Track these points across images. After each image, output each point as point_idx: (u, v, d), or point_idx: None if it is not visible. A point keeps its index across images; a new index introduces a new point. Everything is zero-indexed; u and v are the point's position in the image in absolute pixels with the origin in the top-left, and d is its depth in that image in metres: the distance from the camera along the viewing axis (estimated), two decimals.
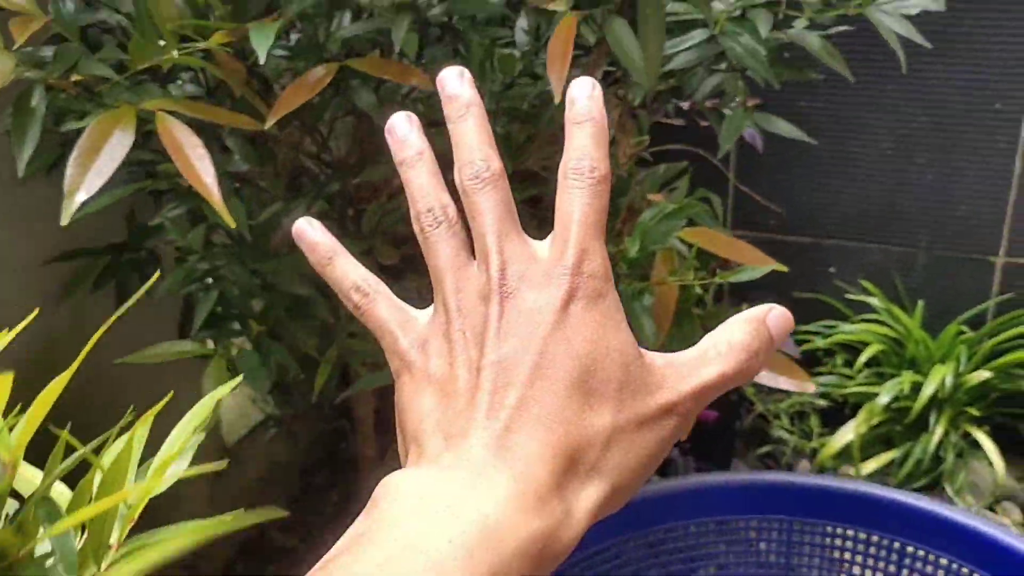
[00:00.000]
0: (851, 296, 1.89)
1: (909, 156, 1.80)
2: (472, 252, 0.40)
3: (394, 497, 0.33)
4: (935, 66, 1.71)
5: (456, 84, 0.41)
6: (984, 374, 1.72)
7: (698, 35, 0.92)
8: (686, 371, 0.38)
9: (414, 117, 0.43)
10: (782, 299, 1.93)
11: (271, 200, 1.03)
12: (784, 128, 1.02)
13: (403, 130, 0.42)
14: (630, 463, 0.36)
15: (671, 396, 0.37)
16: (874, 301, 1.85)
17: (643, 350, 0.38)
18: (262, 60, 0.69)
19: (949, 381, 1.70)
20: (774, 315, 0.40)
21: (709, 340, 0.39)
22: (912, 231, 1.84)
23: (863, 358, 1.80)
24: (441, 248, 0.40)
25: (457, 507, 0.31)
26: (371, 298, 0.41)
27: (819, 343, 1.87)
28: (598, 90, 0.40)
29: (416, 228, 0.41)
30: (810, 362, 1.89)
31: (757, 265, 0.82)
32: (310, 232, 0.43)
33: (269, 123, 0.76)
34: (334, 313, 1.04)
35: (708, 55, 0.95)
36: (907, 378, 1.75)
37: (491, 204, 0.39)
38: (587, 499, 0.34)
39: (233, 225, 0.67)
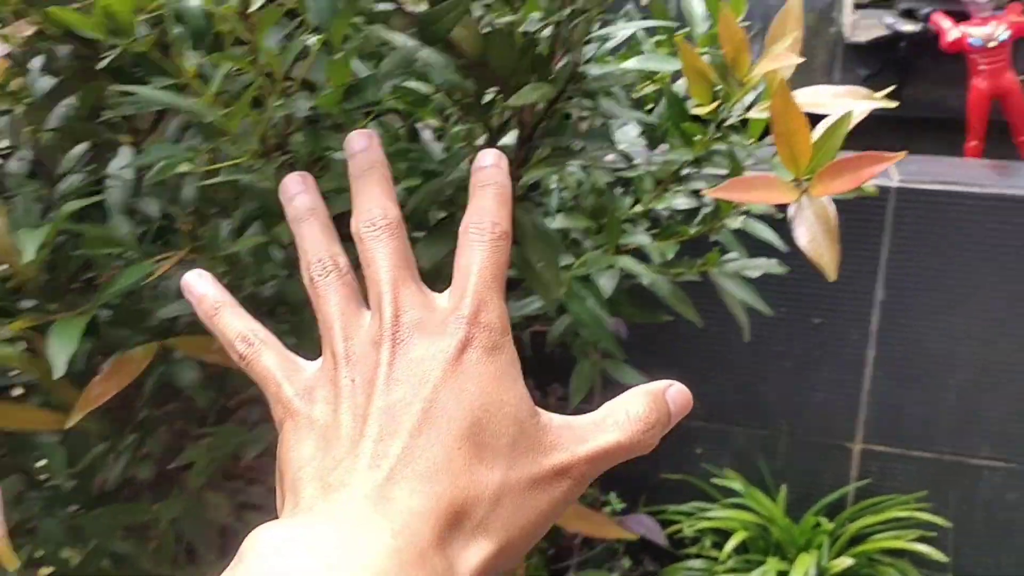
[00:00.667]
0: (716, 481, 1.89)
1: (768, 344, 1.84)
2: (365, 302, 0.39)
3: (261, 553, 0.30)
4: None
5: (362, 143, 0.42)
6: (847, 561, 1.74)
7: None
8: (583, 434, 0.37)
9: (309, 177, 0.43)
10: (649, 482, 1.93)
11: (97, 442, 0.96)
12: (631, 378, 1.02)
13: (295, 189, 0.42)
14: (519, 522, 0.34)
15: (565, 457, 0.36)
16: (737, 486, 1.86)
17: (539, 409, 0.37)
18: (58, 373, 0.64)
19: (813, 572, 1.70)
20: (673, 391, 0.41)
21: (608, 408, 0.39)
22: (773, 416, 1.87)
23: (729, 546, 1.79)
24: (330, 296, 0.39)
25: (332, 564, 0.29)
26: (256, 348, 0.40)
27: (686, 529, 1.86)
28: (504, 160, 0.42)
29: (305, 279, 0.40)
30: (679, 544, 1.87)
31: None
32: (198, 285, 0.42)
33: (73, 420, 0.70)
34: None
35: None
36: (773, 565, 1.75)
37: (386, 251, 0.39)
38: (472, 557, 0.33)
39: (13, 568, 0.60)
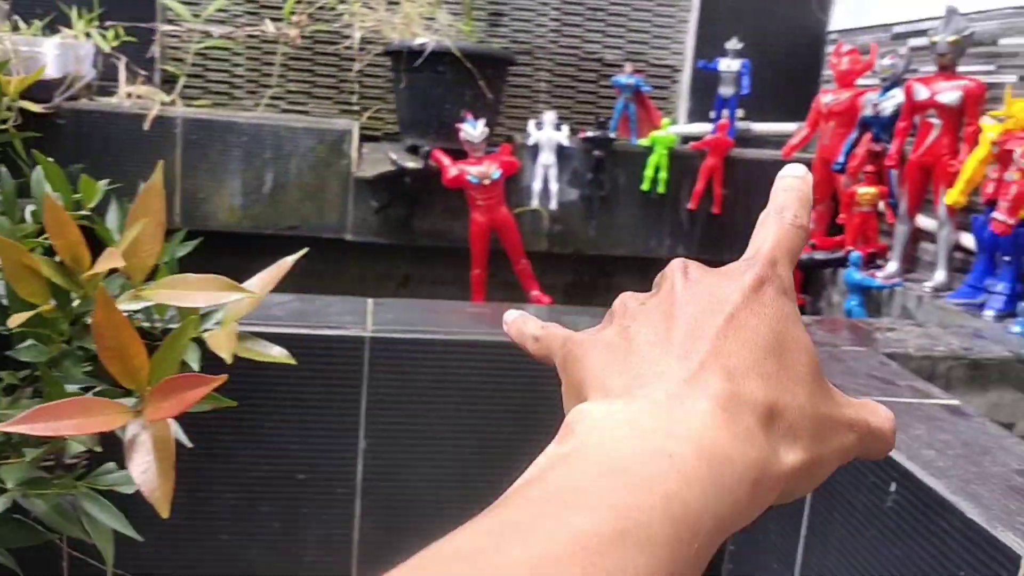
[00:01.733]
0: None
1: (254, 505, 1.71)
2: None
3: (594, 422, 0.32)
4: (272, 415, 1.68)
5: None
6: None
7: None
8: (859, 407, 0.41)
9: None
10: None
11: None
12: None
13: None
14: (826, 445, 0.36)
15: (851, 413, 0.39)
16: None
17: None
18: None
19: None
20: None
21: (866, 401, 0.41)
22: None
23: None
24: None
25: (666, 428, 0.30)
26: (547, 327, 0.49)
27: None
28: (809, 176, 0.47)
29: None
30: None
31: None
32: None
33: None
34: None
35: None
36: None
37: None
38: (790, 455, 0.33)
39: None
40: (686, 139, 3.51)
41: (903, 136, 2.69)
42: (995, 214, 2.20)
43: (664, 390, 0.33)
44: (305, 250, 1.40)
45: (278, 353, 1.30)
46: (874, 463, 1.33)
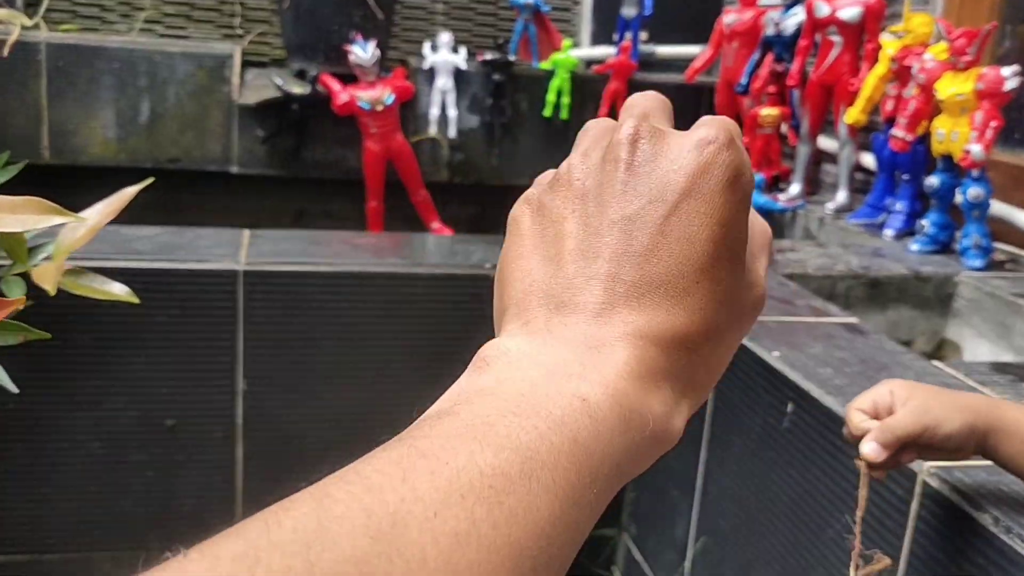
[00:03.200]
0: None
1: (122, 455, 1.59)
2: None
3: (509, 360, 0.32)
4: (136, 357, 1.55)
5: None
6: None
7: None
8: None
9: None
10: None
11: None
12: None
13: None
14: (721, 368, 0.36)
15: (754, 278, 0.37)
16: None
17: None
18: None
19: None
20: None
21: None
22: (140, 535, 1.62)
23: None
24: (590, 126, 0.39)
25: (580, 372, 0.31)
26: None
27: None
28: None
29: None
30: None
31: None
32: None
33: None
34: None
35: None
36: None
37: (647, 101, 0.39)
38: (689, 400, 0.34)
39: None
40: (589, 63, 3.41)
41: (804, 55, 2.64)
42: (894, 131, 2.18)
43: (583, 331, 0.32)
44: (149, 180, 1.26)
45: (118, 291, 1.17)
46: (770, 383, 1.28)
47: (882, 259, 1.99)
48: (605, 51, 3.40)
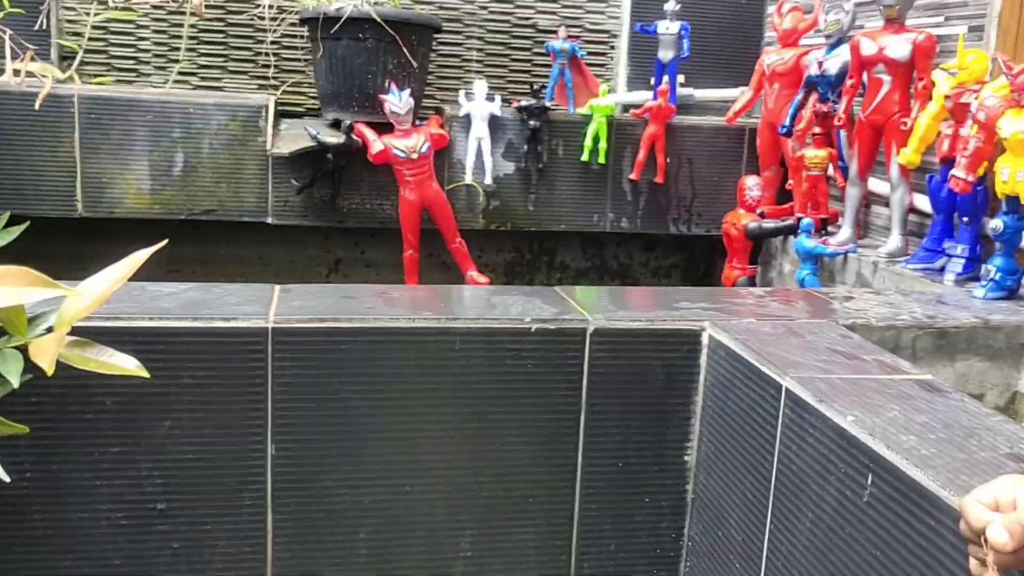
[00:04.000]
0: None
1: (148, 525, 1.50)
2: None
3: None
4: (161, 421, 1.47)
5: None
6: None
7: None
8: None
9: None
10: None
11: None
12: None
13: None
14: None
15: None
16: None
17: None
18: None
19: None
20: None
21: None
22: None
23: None
24: None
25: None
26: None
27: None
28: None
29: None
30: None
31: None
32: None
33: None
34: None
35: None
36: None
37: None
38: None
39: None
40: (626, 107, 3.34)
41: (852, 94, 2.55)
42: (954, 171, 2.07)
43: None
44: (164, 242, 1.20)
45: (126, 364, 1.09)
46: (845, 452, 1.17)
47: (947, 307, 1.87)
48: (642, 96, 3.33)
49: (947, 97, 2.19)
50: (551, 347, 1.60)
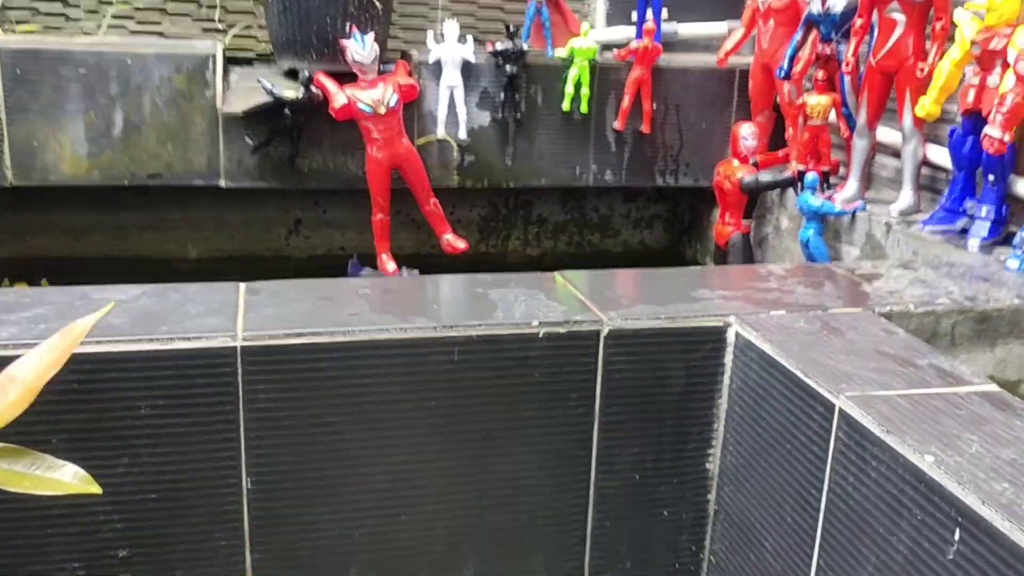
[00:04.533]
0: None
1: (111, 573, 1.31)
2: None
3: None
4: (120, 459, 1.26)
5: None
6: None
7: None
8: None
9: None
10: None
11: None
12: None
13: None
14: None
15: None
16: None
17: None
18: None
19: None
20: None
21: None
22: None
23: None
24: None
25: None
26: None
27: None
28: None
29: None
30: None
31: None
32: None
33: None
34: None
35: None
36: None
37: None
38: None
39: None
40: (606, 47, 3.10)
41: (861, 36, 2.34)
42: (988, 130, 1.88)
43: None
44: (110, 306, 0.97)
45: (69, 479, 0.88)
46: (925, 499, 1.01)
47: (984, 283, 1.71)
48: (624, 32, 3.09)
49: (973, 43, 1.99)
50: (561, 353, 1.42)
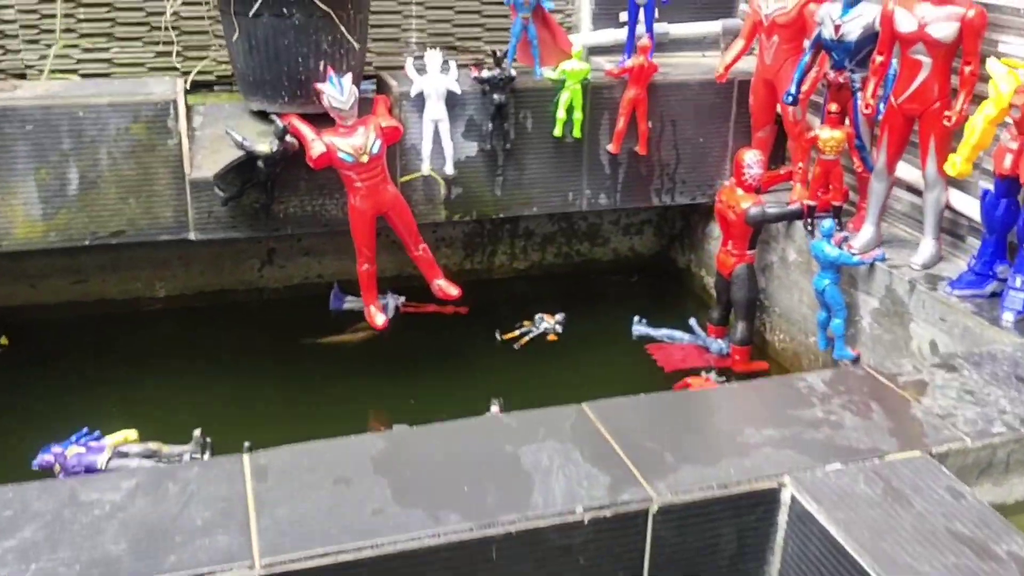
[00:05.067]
0: None
1: None
2: None
3: None
4: None
5: None
6: None
7: None
8: None
9: None
10: None
11: None
12: None
13: None
14: None
15: None
16: None
17: None
18: None
19: None
20: None
21: None
22: None
23: None
24: None
25: None
26: None
27: None
28: None
29: None
30: None
31: None
32: None
33: None
34: None
35: None
36: None
37: None
38: None
39: None
40: (593, 49, 2.90)
41: (881, 75, 2.18)
42: None
43: None
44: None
45: None
46: None
47: None
48: (614, 36, 2.89)
49: (1012, 106, 1.85)
50: (607, 536, 1.30)
